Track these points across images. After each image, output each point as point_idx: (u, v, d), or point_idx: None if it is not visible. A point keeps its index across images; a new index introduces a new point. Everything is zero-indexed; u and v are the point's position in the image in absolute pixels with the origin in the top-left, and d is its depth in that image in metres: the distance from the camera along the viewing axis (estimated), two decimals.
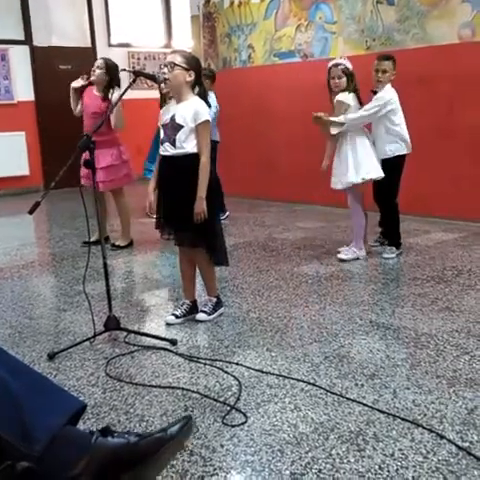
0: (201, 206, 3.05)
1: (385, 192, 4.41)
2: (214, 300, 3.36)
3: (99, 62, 4.77)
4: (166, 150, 3.12)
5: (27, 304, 3.74)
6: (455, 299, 3.50)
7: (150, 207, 3.25)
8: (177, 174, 3.12)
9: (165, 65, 3.08)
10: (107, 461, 1.60)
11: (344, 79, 4.19)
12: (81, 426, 1.83)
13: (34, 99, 8.76)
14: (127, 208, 5.10)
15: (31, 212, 2.84)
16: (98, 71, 4.70)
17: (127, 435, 1.68)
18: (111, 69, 4.71)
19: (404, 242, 4.74)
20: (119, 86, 4.73)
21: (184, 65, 3.04)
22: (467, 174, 5.38)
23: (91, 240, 4.20)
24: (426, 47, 5.54)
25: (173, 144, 3.09)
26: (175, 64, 3.04)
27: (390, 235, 4.52)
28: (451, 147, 5.46)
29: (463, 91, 5.34)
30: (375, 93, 4.30)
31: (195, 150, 3.07)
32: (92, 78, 4.76)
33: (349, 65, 4.21)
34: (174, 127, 3.08)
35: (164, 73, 3.08)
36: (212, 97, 5.23)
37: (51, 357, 2.86)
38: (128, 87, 3.02)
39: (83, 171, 4.60)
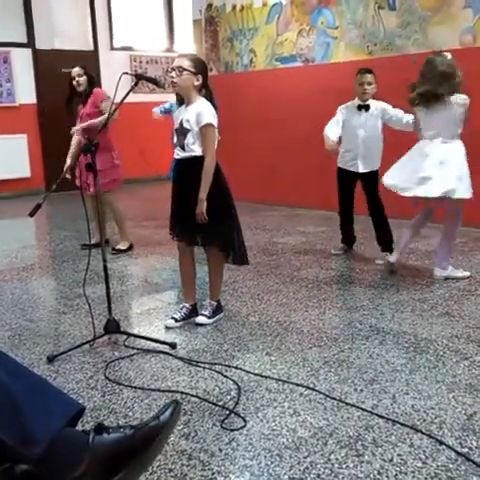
0: (201, 207, 3.07)
1: (380, 202, 4.43)
2: (215, 304, 3.35)
3: (77, 70, 4.96)
4: (177, 154, 3.18)
5: (27, 306, 3.74)
6: (455, 304, 3.50)
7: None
8: (186, 176, 3.16)
9: (173, 69, 3.08)
10: (107, 458, 1.61)
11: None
12: (80, 429, 1.83)
13: (36, 102, 8.80)
14: (119, 211, 5.12)
15: (32, 214, 2.85)
16: (81, 79, 4.94)
17: (122, 429, 1.68)
18: (89, 72, 5.04)
19: None
20: (95, 82, 5.10)
21: (192, 69, 3.05)
22: None
23: (91, 243, 4.20)
24: (427, 52, 5.53)
25: (183, 148, 3.14)
26: (183, 68, 3.04)
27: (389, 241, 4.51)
28: None
29: None
30: (360, 107, 4.35)
31: (202, 153, 3.10)
32: (80, 89, 4.98)
33: None
34: (183, 132, 3.11)
35: (172, 77, 3.08)
36: None
37: (50, 360, 2.85)
38: (130, 91, 3.01)
39: (79, 174, 4.89)
